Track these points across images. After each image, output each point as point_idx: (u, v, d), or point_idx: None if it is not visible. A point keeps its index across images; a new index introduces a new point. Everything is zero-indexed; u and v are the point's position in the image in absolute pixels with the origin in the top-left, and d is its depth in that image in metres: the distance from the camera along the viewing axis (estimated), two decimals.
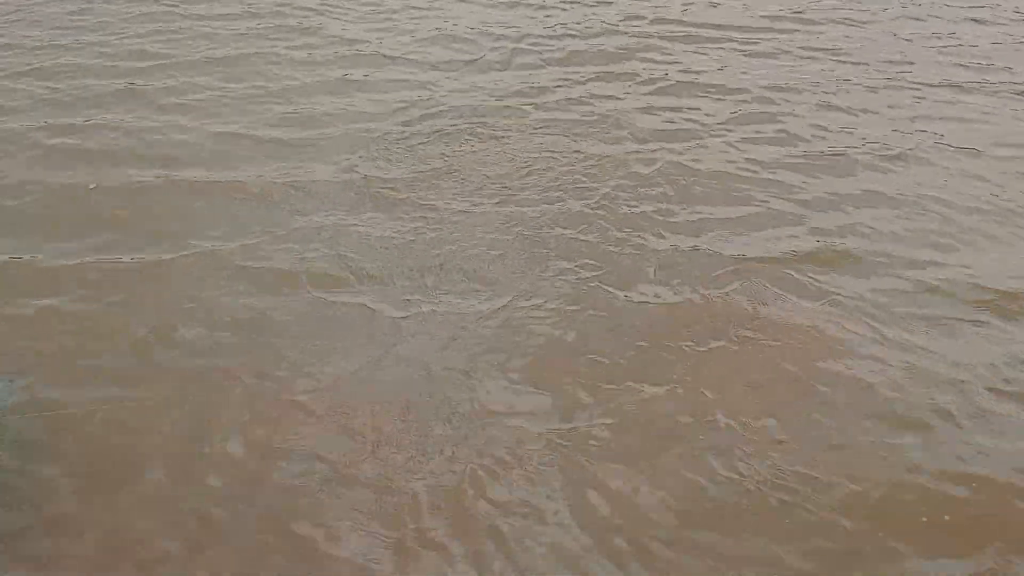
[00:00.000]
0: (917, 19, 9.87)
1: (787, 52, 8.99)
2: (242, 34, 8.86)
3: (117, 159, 6.58)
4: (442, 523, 3.80)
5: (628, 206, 6.20)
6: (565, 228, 5.93)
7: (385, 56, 8.60)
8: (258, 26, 9.06)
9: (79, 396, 4.36)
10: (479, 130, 7.21)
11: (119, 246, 5.57)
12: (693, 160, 6.83)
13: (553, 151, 6.93)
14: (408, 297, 5.23)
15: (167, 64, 8.18)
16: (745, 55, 8.88)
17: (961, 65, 8.71)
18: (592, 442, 4.23)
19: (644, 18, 9.73)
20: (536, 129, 7.28)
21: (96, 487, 3.92)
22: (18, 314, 4.97)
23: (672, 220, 6.07)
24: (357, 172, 6.54)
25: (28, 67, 8.02)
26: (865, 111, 7.77)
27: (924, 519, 3.87)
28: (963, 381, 4.65)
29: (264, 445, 4.16)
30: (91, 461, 4.05)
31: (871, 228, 6.04)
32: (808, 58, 8.86)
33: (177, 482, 3.97)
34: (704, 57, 8.85)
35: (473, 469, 4.06)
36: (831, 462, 4.14)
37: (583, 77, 8.27)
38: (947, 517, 3.88)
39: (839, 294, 5.33)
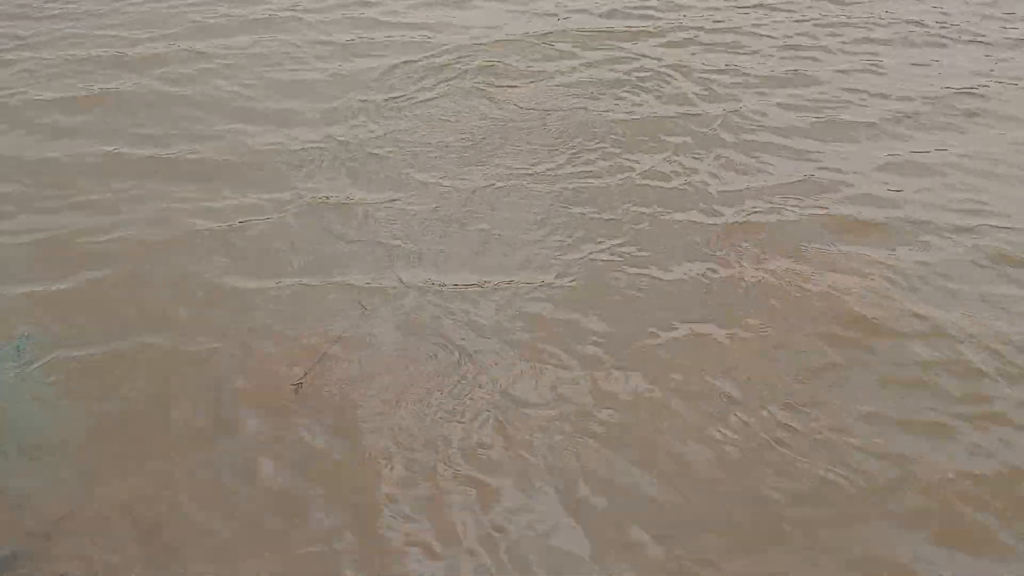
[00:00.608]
0: None
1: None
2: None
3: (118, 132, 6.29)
4: None
5: (655, 173, 5.84)
6: (587, 197, 5.60)
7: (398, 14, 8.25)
8: None
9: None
10: (495, 89, 6.87)
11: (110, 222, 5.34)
12: (726, 125, 6.44)
13: (577, 112, 6.57)
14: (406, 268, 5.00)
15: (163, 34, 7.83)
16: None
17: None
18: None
19: None
20: (556, 87, 6.92)
21: None
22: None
23: (705, 189, 5.71)
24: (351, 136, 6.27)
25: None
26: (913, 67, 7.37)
27: None
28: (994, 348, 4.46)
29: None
30: None
31: (912, 197, 5.69)
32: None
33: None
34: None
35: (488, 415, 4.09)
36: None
37: (609, 35, 7.87)
38: None
39: (879, 263, 5.06)
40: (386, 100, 6.74)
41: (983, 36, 7.94)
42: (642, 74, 7.15)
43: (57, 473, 3.82)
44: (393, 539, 3.56)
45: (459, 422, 4.06)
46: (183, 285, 4.87)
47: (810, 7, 8.59)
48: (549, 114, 6.53)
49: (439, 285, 4.88)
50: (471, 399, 4.18)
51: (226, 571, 3.45)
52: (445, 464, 3.87)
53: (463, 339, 4.52)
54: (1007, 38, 7.93)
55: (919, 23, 8.23)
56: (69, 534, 3.57)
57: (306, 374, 4.27)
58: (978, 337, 4.52)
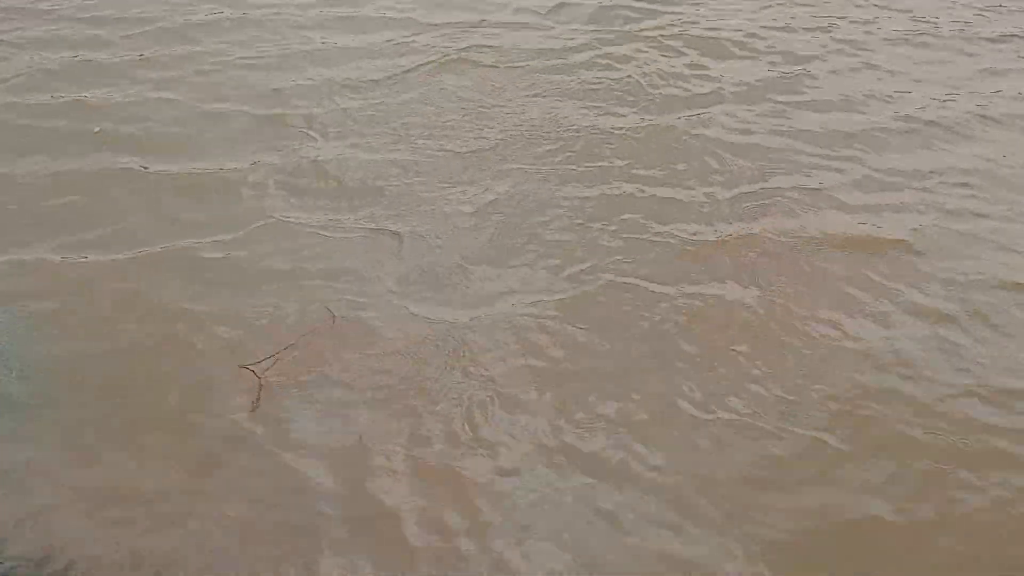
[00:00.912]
0: None
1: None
2: None
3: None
4: None
5: (647, 179, 5.62)
6: (577, 207, 5.38)
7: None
8: None
9: None
10: (480, 94, 6.62)
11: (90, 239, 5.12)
12: (716, 130, 6.20)
13: (566, 119, 6.33)
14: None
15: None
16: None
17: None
18: None
19: None
20: (545, 92, 6.68)
21: None
22: None
23: (699, 199, 5.48)
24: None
25: None
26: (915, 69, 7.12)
27: None
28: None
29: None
30: None
31: (916, 203, 5.49)
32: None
33: None
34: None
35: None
36: None
37: (600, 37, 7.64)
38: None
39: (881, 273, 4.88)
40: (368, 105, 6.52)
41: (991, 35, 7.71)
42: (636, 77, 6.94)
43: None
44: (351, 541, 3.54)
45: (435, 426, 3.97)
46: (152, 304, 4.68)
47: (813, 10, 8.34)
48: (537, 121, 6.30)
49: (419, 297, 4.71)
50: (448, 407, 4.07)
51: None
52: (415, 469, 3.79)
53: (447, 351, 4.37)
54: (1015, 35, 7.69)
55: (926, 20, 8.03)
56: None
57: (267, 359, 4.23)
58: (982, 357, 4.33)
